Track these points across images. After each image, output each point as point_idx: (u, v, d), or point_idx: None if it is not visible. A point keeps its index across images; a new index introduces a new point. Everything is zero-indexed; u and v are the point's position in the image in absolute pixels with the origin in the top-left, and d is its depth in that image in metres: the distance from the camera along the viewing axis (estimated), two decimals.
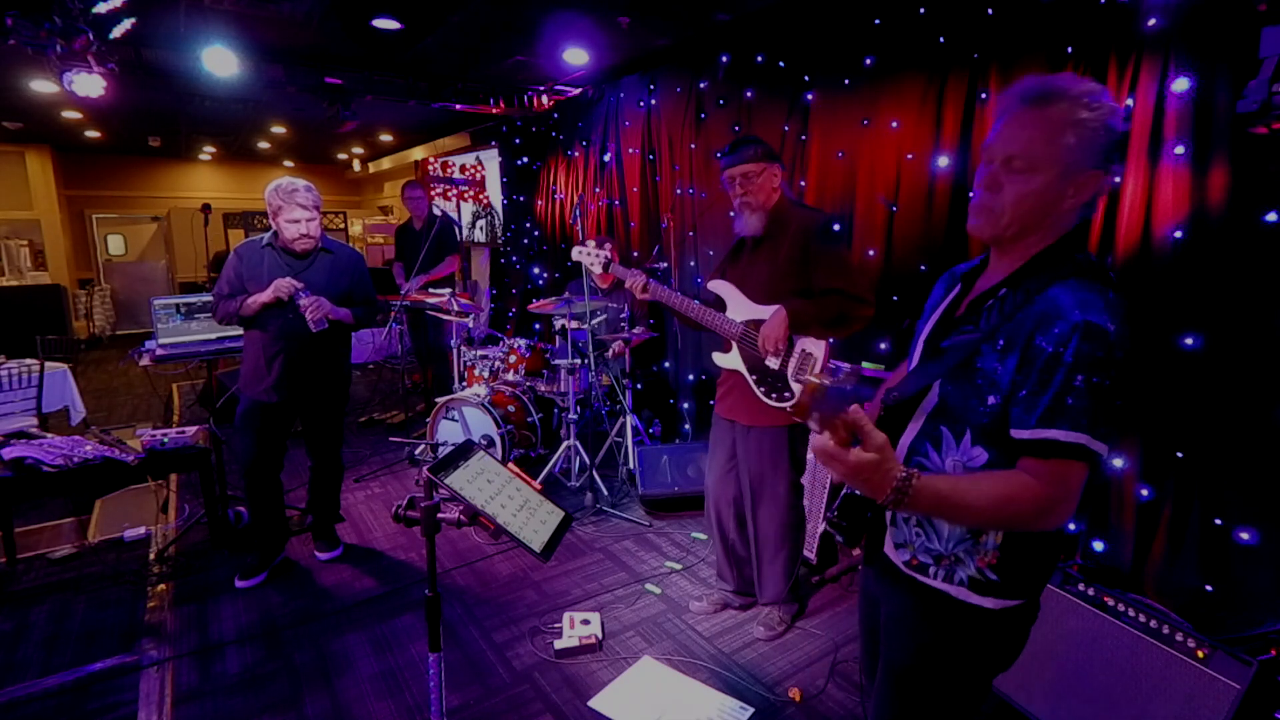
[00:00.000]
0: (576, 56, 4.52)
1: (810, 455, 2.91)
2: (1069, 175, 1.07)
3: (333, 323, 2.86)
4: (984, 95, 2.74)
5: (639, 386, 4.84)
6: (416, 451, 4.58)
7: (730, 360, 2.55)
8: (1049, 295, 1.05)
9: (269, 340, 2.85)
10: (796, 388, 2.40)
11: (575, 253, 2.73)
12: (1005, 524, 1.10)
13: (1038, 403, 1.02)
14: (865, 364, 3.26)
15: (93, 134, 8.54)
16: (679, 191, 4.53)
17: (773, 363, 2.43)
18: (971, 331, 1.13)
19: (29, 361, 4.30)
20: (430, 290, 4.90)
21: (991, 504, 1.04)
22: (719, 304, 2.56)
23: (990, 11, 2.67)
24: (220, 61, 4.22)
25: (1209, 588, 2.18)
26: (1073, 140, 1.05)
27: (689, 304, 2.51)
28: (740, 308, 2.49)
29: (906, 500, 1.03)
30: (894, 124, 3.12)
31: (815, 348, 2.39)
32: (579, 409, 4.22)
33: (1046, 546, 1.16)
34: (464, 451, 1.64)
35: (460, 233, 6.65)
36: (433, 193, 6.99)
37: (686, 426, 4.68)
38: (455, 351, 4.75)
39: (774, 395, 2.45)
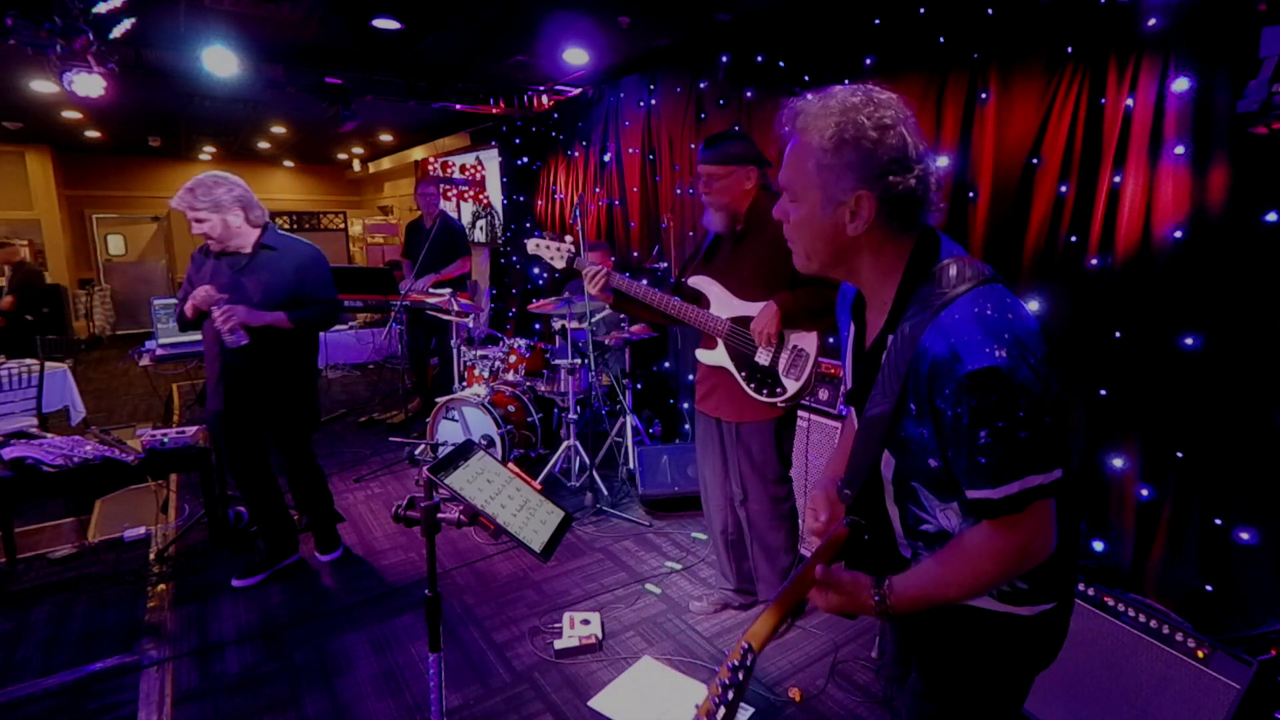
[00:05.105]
0: (576, 56, 4.52)
1: (796, 447, 2.89)
2: (830, 200, 1.02)
3: (267, 328, 2.72)
4: (984, 95, 2.74)
5: (639, 386, 4.84)
6: (416, 451, 4.58)
7: (715, 357, 2.50)
8: (924, 347, 0.97)
9: (209, 346, 2.80)
10: (788, 383, 2.39)
11: (531, 246, 2.57)
12: (993, 586, 1.08)
13: (959, 469, 0.99)
14: None
15: (93, 134, 8.54)
16: (679, 191, 4.52)
17: (763, 358, 2.40)
18: (882, 401, 1.07)
19: (29, 361, 4.30)
20: (430, 290, 4.89)
21: (967, 584, 1.04)
22: (698, 300, 2.51)
23: (990, 11, 2.67)
24: (220, 61, 4.22)
25: (1209, 588, 2.18)
26: (811, 165, 1.02)
27: (666, 300, 2.44)
28: (725, 304, 2.46)
29: (891, 614, 1.05)
30: None
31: (808, 343, 2.38)
32: (579, 409, 4.22)
33: (1067, 548, 1.12)
34: (464, 451, 1.64)
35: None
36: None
37: (686, 426, 4.68)
38: (455, 351, 4.75)
39: (764, 391, 2.43)
